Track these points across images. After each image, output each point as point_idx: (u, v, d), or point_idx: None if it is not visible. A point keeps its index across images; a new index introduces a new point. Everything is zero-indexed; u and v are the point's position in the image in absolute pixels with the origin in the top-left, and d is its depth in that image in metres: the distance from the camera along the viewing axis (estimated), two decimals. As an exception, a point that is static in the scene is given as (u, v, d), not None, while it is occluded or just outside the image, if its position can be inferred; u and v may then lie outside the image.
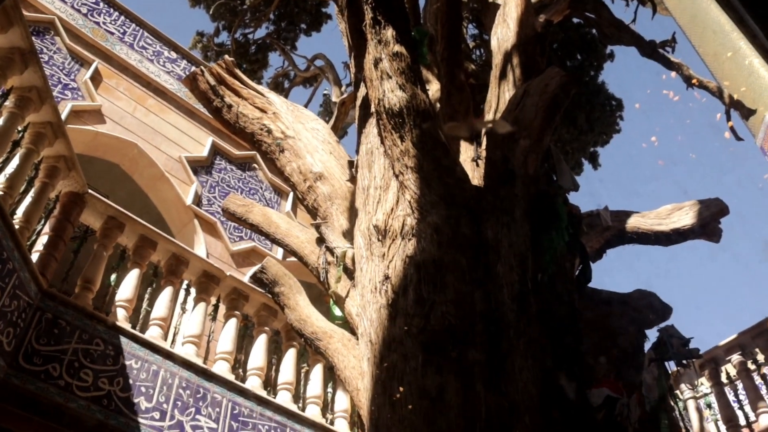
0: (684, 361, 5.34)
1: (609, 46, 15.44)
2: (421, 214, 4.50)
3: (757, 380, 9.37)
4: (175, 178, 11.50)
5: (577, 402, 4.06)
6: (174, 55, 13.18)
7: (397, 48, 4.65)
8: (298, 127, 6.44)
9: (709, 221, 6.99)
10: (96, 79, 11.30)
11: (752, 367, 9.38)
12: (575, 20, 13.21)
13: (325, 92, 19.42)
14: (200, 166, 12.07)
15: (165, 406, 6.94)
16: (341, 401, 8.63)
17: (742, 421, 9.17)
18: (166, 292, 7.79)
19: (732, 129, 9.82)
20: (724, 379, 9.56)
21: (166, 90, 12.42)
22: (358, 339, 4.87)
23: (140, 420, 6.66)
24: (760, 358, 9.39)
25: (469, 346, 4.00)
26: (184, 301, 8.25)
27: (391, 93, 4.53)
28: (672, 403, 5.18)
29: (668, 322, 5.47)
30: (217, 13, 17.75)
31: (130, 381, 6.80)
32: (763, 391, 9.30)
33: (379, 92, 4.63)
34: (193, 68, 9.08)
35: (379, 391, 4.09)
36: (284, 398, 8.07)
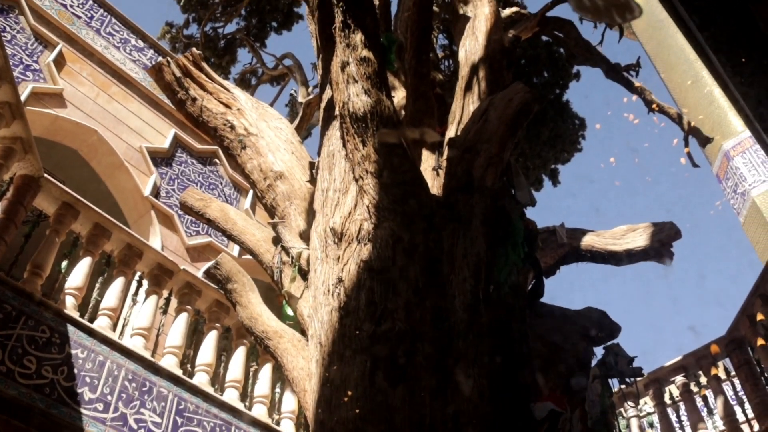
0: (627, 380, 5.44)
1: (575, 66, 15.66)
2: (378, 220, 4.52)
3: (699, 402, 9.57)
4: (134, 168, 11.35)
5: (520, 415, 4.10)
6: (141, 43, 13.02)
7: (365, 53, 4.66)
8: (262, 125, 6.42)
9: (662, 244, 7.10)
10: (59, 62, 11.11)
11: (695, 389, 9.58)
12: (544, 38, 13.37)
13: (292, 92, 19.36)
14: (161, 158, 11.93)
15: (109, 398, 6.85)
16: (288, 402, 8.60)
17: (682, 442, 9.37)
18: (118, 283, 7.70)
19: (689, 155, 10.02)
20: (667, 399, 9.74)
21: (131, 78, 12.26)
22: (308, 340, 4.86)
23: (83, 411, 6.57)
24: (703, 380, 9.59)
25: (418, 353, 4.02)
26: (136, 293, 8.16)
27: (356, 97, 4.54)
28: (613, 420, 5.26)
29: (615, 341, 5.55)
30: (188, 4, 17.63)
31: (75, 371, 6.70)
32: (704, 413, 9.49)
33: (344, 96, 4.63)
34: (160, 58, 8.99)
35: (326, 393, 4.10)
36: (231, 396, 8.02)
